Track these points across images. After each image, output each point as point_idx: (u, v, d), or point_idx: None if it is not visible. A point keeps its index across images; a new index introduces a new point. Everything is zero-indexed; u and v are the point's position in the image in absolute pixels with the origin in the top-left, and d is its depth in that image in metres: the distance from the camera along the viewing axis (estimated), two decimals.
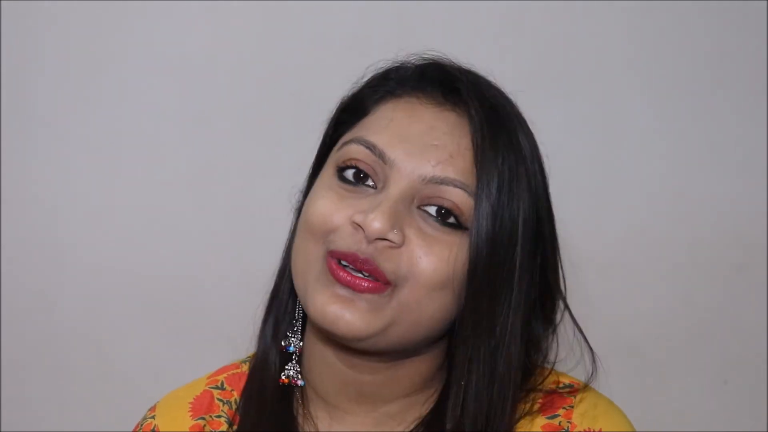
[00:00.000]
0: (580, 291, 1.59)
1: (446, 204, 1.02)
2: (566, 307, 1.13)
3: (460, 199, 1.02)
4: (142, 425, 1.17)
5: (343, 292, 1.01)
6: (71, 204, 1.59)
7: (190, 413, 1.15)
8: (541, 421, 1.07)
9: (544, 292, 1.10)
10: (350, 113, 1.11)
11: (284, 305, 1.15)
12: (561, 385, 1.10)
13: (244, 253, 1.59)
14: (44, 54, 1.57)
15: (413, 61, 1.12)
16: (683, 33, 1.59)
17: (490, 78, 1.10)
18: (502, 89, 1.10)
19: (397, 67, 1.12)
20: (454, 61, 1.11)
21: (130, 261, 1.60)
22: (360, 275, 1.01)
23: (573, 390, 1.10)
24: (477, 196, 1.01)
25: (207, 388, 1.18)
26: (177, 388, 1.20)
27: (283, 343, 1.12)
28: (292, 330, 1.12)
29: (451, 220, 1.02)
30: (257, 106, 1.57)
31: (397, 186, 1.02)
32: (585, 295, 1.60)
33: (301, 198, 1.15)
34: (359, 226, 1.01)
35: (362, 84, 1.13)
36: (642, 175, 1.60)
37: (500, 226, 1.02)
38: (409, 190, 1.02)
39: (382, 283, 1.01)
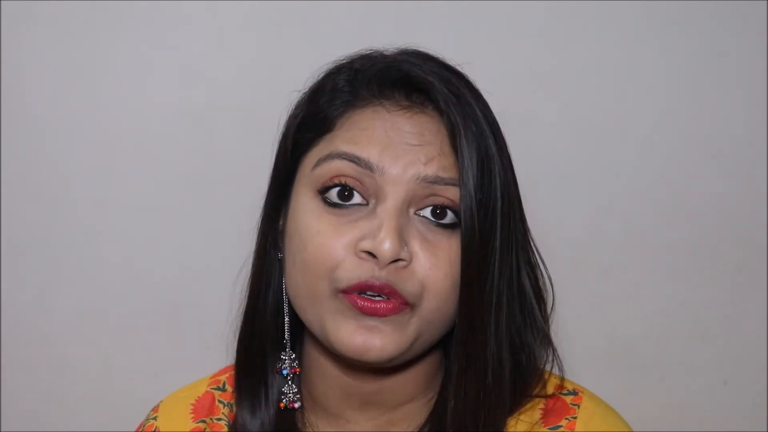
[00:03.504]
0: (580, 291, 1.60)
1: (442, 201, 1.02)
2: (546, 273, 1.12)
3: (453, 194, 1.01)
4: (144, 425, 1.17)
5: (369, 322, 1.00)
6: (71, 204, 1.59)
7: (192, 415, 1.15)
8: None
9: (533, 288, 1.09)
10: (310, 129, 1.07)
11: (267, 328, 1.11)
12: (565, 391, 1.10)
13: (244, 253, 1.59)
14: (44, 54, 1.56)
15: (364, 64, 1.08)
16: (683, 33, 1.59)
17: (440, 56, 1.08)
18: (449, 63, 1.07)
19: (349, 72, 1.08)
20: (398, 48, 1.08)
21: (130, 261, 1.60)
22: (379, 298, 0.99)
23: (576, 398, 1.09)
24: (461, 189, 1.00)
25: (209, 389, 1.17)
26: (180, 388, 1.20)
27: (278, 365, 1.11)
28: (284, 351, 1.10)
29: (446, 219, 1.02)
30: (257, 106, 1.56)
31: (393, 196, 1.00)
32: (585, 295, 1.60)
33: (264, 220, 1.13)
34: (368, 253, 0.99)
35: (312, 95, 1.09)
36: (642, 175, 1.60)
37: (483, 215, 1.01)
38: (406, 196, 1.01)
39: (401, 303, 1.00)
